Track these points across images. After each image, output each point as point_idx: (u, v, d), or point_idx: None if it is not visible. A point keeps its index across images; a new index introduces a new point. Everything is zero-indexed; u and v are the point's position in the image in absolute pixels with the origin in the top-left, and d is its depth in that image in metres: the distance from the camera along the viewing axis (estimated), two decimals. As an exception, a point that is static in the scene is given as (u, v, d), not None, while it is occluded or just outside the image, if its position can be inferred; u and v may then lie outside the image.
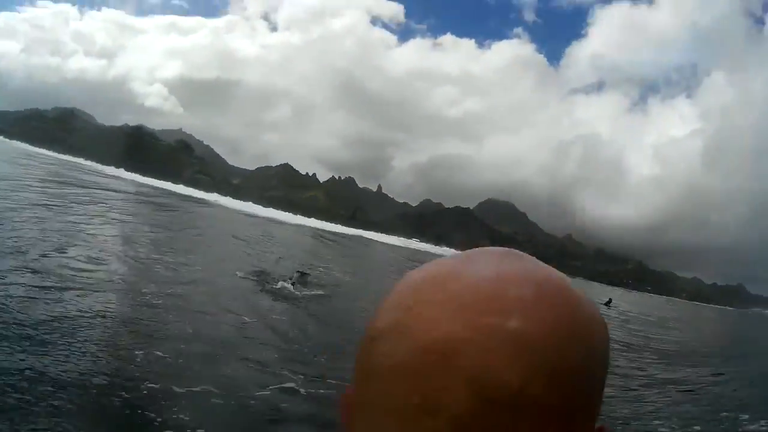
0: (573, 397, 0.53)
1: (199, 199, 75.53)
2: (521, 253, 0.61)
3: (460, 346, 0.51)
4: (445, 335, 0.52)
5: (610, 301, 47.16)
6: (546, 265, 0.60)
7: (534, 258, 0.61)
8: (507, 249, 0.61)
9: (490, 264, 0.57)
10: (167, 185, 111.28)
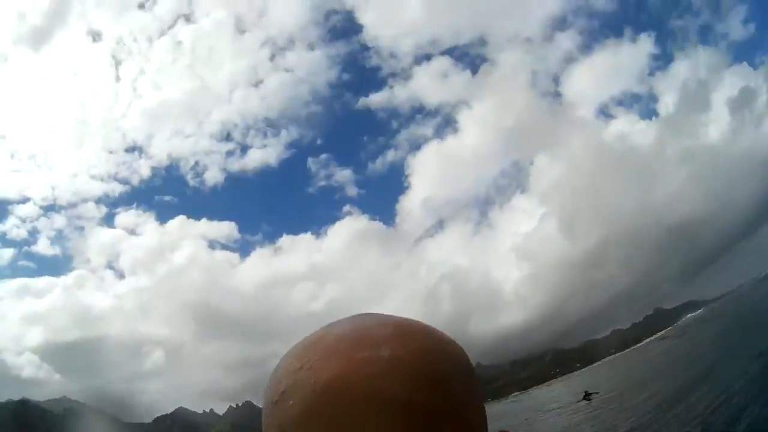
0: (456, 399, 0.67)
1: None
2: (371, 312, 0.72)
3: (350, 380, 0.65)
4: (335, 375, 0.65)
5: (587, 394, 40.64)
6: (392, 315, 0.72)
7: (382, 313, 0.72)
8: (360, 313, 0.72)
9: (349, 320, 0.70)
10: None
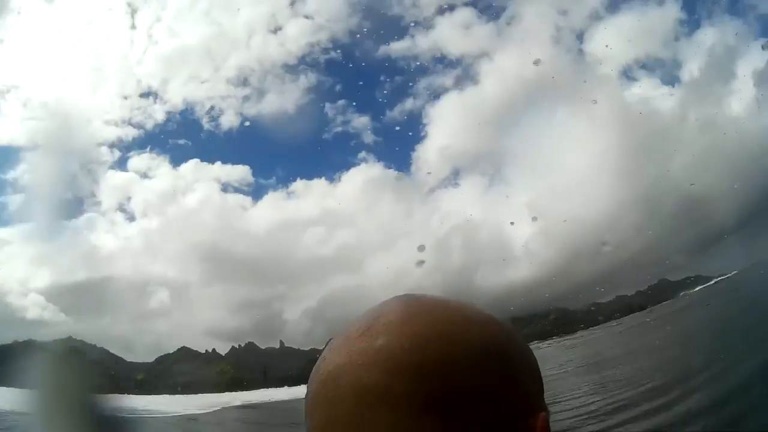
0: (449, 388, 0.67)
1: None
2: (413, 293, 0.80)
3: (344, 370, 0.70)
4: (334, 366, 0.72)
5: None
6: (437, 296, 0.79)
7: (417, 293, 0.80)
8: (399, 294, 0.80)
9: (379, 305, 0.78)
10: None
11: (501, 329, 0.77)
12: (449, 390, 0.67)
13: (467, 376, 0.69)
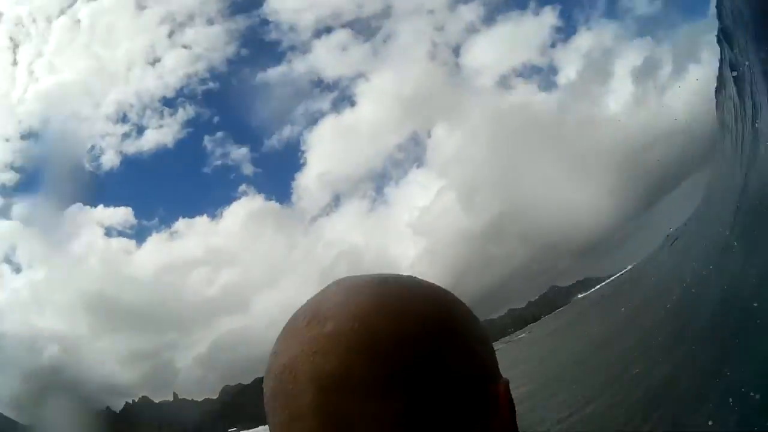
0: (397, 368, 0.66)
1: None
2: (350, 275, 0.78)
3: (298, 361, 0.68)
4: (289, 358, 0.69)
5: None
6: (373, 274, 0.77)
7: (365, 274, 0.77)
8: (340, 278, 0.78)
9: (321, 292, 0.75)
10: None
11: (448, 298, 0.75)
12: (407, 367, 0.66)
13: (424, 350, 0.67)
